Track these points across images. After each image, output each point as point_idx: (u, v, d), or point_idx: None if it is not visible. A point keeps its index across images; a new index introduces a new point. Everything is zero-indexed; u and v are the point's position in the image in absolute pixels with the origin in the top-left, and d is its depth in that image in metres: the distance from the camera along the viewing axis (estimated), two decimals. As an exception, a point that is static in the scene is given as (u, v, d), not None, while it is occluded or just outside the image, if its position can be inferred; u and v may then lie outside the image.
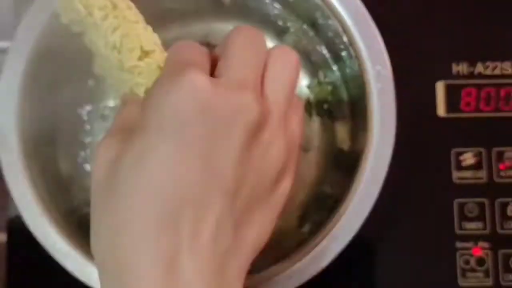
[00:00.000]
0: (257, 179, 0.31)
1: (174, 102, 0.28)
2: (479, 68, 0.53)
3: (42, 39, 0.47)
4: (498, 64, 0.53)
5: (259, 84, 0.32)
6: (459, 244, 0.50)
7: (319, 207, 0.50)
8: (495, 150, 0.52)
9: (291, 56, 0.34)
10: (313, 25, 0.53)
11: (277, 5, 0.53)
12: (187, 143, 0.28)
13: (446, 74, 0.52)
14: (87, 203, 0.47)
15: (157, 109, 0.29)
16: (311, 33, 0.53)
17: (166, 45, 0.35)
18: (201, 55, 0.32)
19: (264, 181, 0.31)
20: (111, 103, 0.52)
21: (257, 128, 0.30)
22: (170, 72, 0.30)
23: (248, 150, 0.30)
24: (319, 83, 0.53)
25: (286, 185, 0.33)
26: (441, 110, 0.52)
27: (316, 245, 0.44)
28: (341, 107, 0.53)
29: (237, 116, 0.29)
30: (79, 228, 0.47)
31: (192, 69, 0.29)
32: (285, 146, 0.32)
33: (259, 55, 0.33)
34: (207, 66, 0.32)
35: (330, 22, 0.49)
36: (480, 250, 0.50)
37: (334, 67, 0.53)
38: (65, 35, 0.42)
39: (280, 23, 0.53)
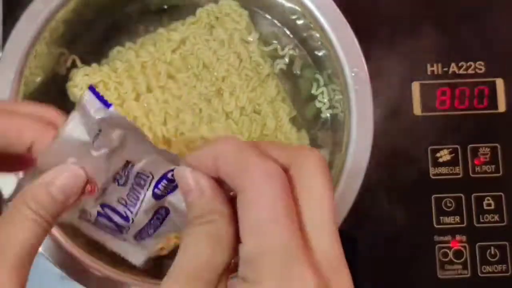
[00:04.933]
0: None
1: None
2: (453, 68, 0.54)
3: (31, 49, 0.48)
4: (472, 63, 0.54)
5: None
6: (437, 238, 0.52)
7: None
8: (470, 146, 0.53)
9: (320, 161, 0.28)
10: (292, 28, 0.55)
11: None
12: None
13: (421, 74, 0.54)
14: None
15: None
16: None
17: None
18: (292, 229, 0.27)
19: None
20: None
21: None
22: (276, 274, 0.26)
23: None
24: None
25: None
26: (417, 109, 0.54)
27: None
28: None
29: None
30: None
31: (302, 268, 0.26)
32: None
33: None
34: (301, 238, 0.27)
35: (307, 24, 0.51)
36: (458, 243, 0.52)
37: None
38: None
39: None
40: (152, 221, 0.33)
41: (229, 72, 0.52)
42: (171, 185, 0.31)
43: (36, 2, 0.49)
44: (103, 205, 0.32)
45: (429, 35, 0.55)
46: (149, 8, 0.55)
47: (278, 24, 0.55)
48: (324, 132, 0.54)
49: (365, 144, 0.48)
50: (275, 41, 0.55)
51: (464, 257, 0.52)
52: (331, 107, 0.54)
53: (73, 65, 0.53)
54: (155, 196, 0.32)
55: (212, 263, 0.27)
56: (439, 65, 0.54)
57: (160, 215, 0.32)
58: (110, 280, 0.46)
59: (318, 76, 0.54)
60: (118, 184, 0.32)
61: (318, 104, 0.54)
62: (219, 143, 0.29)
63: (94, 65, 0.52)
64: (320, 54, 0.53)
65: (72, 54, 0.53)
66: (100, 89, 0.51)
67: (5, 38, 0.52)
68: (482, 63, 0.54)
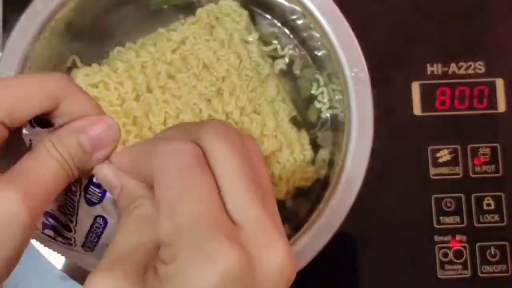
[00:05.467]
0: None
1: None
2: (453, 68, 0.54)
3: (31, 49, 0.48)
4: (471, 64, 0.54)
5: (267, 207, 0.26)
6: (437, 238, 0.52)
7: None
8: (470, 146, 0.53)
9: (257, 146, 0.28)
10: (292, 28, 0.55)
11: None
12: None
13: (421, 74, 0.54)
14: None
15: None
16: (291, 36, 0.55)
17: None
18: (211, 197, 0.25)
19: None
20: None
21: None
22: (197, 248, 0.24)
23: None
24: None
25: None
26: (417, 109, 0.54)
27: (298, 241, 0.46)
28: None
29: (281, 281, 0.25)
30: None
31: (225, 244, 0.24)
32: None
33: (251, 166, 0.27)
34: (221, 206, 0.25)
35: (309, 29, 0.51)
36: (458, 243, 0.52)
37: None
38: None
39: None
40: (93, 229, 0.31)
41: (229, 72, 0.52)
42: (99, 190, 0.30)
43: (36, 2, 0.49)
44: (46, 215, 0.31)
45: (429, 35, 0.55)
46: (149, 8, 0.55)
47: (278, 24, 0.55)
48: (324, 132, 0.54)
49: (365, 144, 0.48)
50: (275, 41, 0.55)
51: (464, 257, 0.52)
52: (331, 107, 0.54)
53: (73, 65, 0.53)
54: (88, 202, 0.31)
55: (142, 245, 0.26)
56: (439, 65, 0.54)
57: (99, 224, 0.31)
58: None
59: (318, 76, 0.54)
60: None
61: (318, 104, 0.54)
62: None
63: (94, 65, 0.52)
64: (320, 54, 0.53)
65: (72, 54, 0.53)
66: (100, 89, 0.51)
67: (5, 38, 0.52)
68: (482, 63, 0.54)
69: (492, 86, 0.54)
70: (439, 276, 0.52)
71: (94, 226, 0.31)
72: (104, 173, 0.29)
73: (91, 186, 0.30)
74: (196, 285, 0.24)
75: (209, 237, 0.24)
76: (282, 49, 0.55)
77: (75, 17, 0.52)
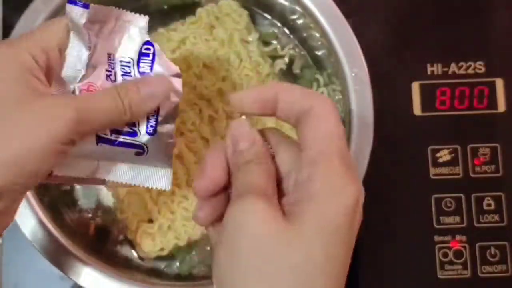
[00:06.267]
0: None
1: (354, 206, 0.30)
2: (453, 68, 0.54)
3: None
4: (471, 63, 0.54)
5: None
6: (437, 238, 0.52)
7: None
8: (470, 146, 0.53)
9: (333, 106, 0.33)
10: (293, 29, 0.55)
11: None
12: (352, 238, 0.31)
13: (421, 74, 0.54)
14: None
15: (340, 205, 0.30)
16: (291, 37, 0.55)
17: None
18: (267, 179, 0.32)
19: None
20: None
21: None
22: (344, 173, 0.31)
23: None
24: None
25: None
26: (417, 109, 0.54)
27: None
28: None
29: (360, 203, 0.31)
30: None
31: (356, 175, 0.31)
32: None
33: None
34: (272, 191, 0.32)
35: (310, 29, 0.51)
36: (458, 243, 0.52)
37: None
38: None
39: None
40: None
41: (229, 72, 0.52)
42: (149, 58, 0.37)
43: (36, 2, 0.49)
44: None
45: (429, 35, 0.55)
46: (149, 8, 0.55)
47: (278, 24, 0.55)
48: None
49: (365, 144, 0.48)
50: (275, 41, 0.55)
51: (464, 257, 0.52)
52: (331, 107, 0.54)
53: (73, 65, 0.53)
54: (142, 75, 0.37)
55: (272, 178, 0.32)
56: (439, 65, 0.54)
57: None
58: (109, 280, 0.47)
59: (318, 76, 0.54)
60: (112, 81, 0.36)
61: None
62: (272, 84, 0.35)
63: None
64: (320, 54, 0.53)
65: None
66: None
67: (5, 38, 0.52)
68: (482, 63, 0.54)
69: (492, 86, 0.54)
70: (439, 276, 0.52)
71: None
72: (242, 125, 0.34)
73: (142, 58, 0.37)
74: (342, 196, 0.30)
75: (348, 167, 0.30)
76: (282, 49, 0.55)
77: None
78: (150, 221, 0.51)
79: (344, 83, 0.49)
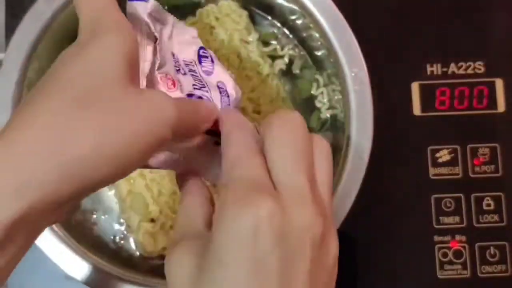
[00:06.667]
0: (326, 281, 0.30)
1: (250, 235, 0.27)
2: (453, 68, 0.54)
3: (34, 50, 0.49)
4: (471, 63, 0.55)
5: (315, 188, 0.30)
6: (437, 238, 0.52)
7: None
8: (469, 146, 0.53)
9: (327, 146, 0.32)
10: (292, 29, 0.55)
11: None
12: (265, 274, 0.28)
13: (421, 74, 0.54)
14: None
15: (232, 239, 0.28)
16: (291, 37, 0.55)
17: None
18: (258, 166, 0.30)
19: (330, 277, 0.31)
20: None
21: (322, 238, 0.29)
22: (238, 199, 0.28)
23: (317, 263, 0.29)
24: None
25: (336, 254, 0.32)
26: (416, 109, 0.54)
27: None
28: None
29: (305, 236, 0.28)
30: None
31: (260, 197, 0.28)
32: (337, 242, 0.31)
33: (308, 153, 0.31)
34: (266, 175, 0.30)
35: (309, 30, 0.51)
36: (457, 243, 0.52)
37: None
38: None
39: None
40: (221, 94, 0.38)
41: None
42: (208, 59, 0.39)
43: (39, 3, 0.49)
44: (188, 95, 0.36)
45: (429, 35, 0.55)
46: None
47: (278, 24, 0.55)
48: (324, 132, 0.54)
49: (364, 144, 0.48)
50: (274, 41, 0.55)
51: (464, 257, 0.52)
52: (331, 107, 0.54)
53: (74, 65, 0.53)
54: (206, 74, 0.38)
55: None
56: (439, 65, 0.54)
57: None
58: (114, 280, 0.47)
59: (318, 76, 0.55)
60: (182, 74, 0.37)
61: (318, 104, 0.54)
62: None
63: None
64: (319, 54, 0.53)
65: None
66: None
67: (8, 39, 0.52)
68: (481, 63, 0.55)
69: (492, 86, 0.54)
70: (438, 276, 0.52)
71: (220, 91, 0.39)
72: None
73: (202, 60, 0.39)
74: (233, 227, 0.28)
75: (256, 191, 0.29)
76: (282, 49, 0.55)
77: (78, 18, 0.52)
78: (152, 220, 0.51)
79: (343, 83, 0.49)
